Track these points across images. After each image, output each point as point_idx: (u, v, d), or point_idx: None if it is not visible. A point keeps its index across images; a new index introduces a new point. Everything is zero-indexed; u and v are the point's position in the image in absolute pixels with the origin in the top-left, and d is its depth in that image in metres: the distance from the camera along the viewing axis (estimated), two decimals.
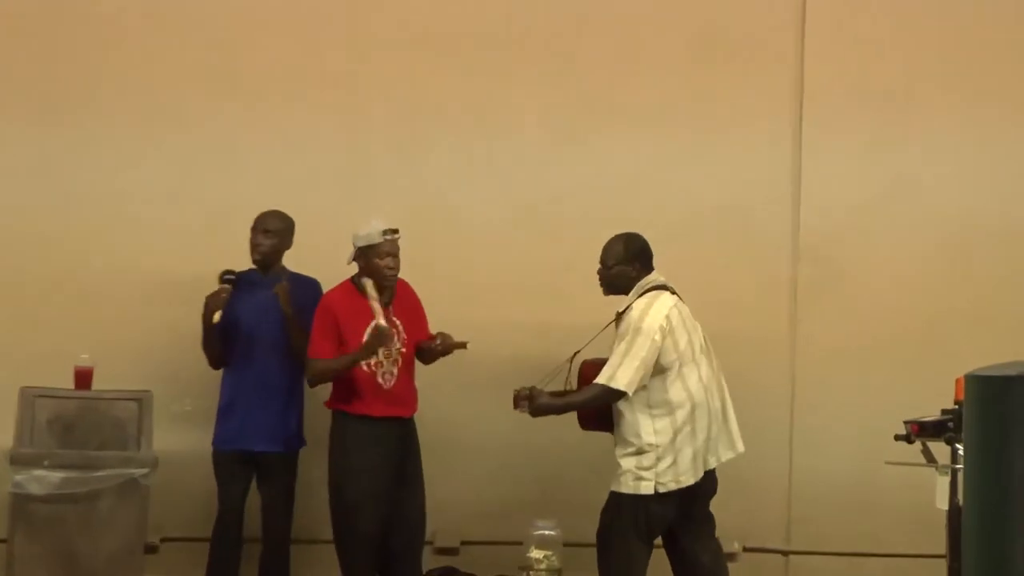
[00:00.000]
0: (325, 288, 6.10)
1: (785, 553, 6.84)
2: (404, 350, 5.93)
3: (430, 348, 5.96)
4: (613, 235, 5.76)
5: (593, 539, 5.79)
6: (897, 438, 5.71)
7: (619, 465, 5.62)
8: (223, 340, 6.03)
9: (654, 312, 5.57)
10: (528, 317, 6.38)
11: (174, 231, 6.60)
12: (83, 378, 6.12)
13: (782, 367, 6.78)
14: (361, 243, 5.86)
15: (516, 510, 6.36)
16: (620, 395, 5.52)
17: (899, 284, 6.83)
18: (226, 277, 5.94)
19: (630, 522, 5.58)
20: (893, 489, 6.46)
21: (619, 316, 5.69)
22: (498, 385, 6.07)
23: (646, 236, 5.85)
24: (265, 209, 6.17)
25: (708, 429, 5.64)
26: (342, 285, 5.93)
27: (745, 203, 6.80)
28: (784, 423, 6.77)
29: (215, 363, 6.13)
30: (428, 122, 6.76)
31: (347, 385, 5.87)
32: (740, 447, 5.74)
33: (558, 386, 5.78)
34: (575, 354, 5.75)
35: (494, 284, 6.44)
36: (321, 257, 6.25)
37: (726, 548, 6.11)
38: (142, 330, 6.50)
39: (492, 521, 6.57)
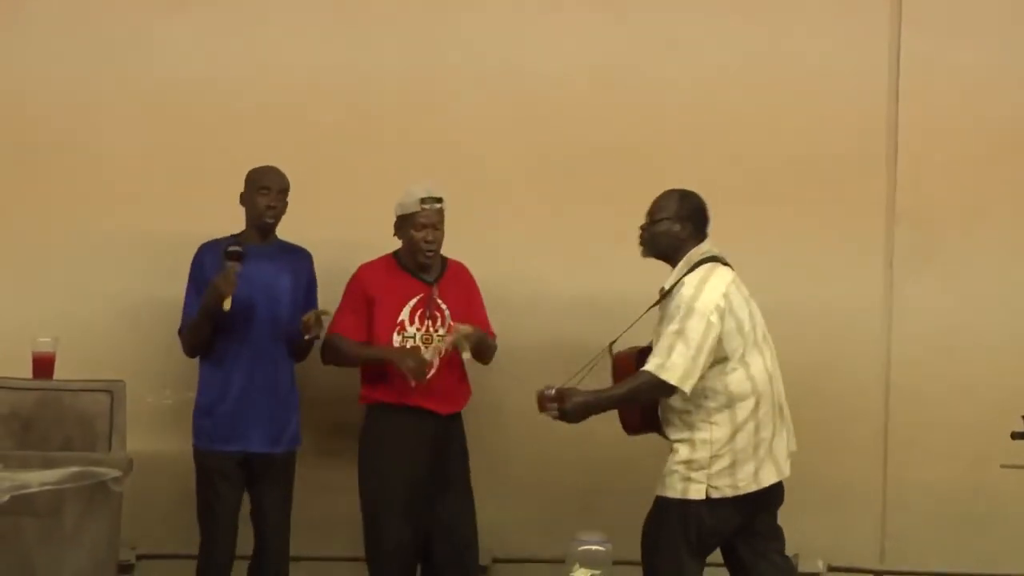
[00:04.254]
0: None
1: (879, 574, 6.38)
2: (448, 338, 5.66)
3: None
4: (665, 189, 5.28)
5: None
6: (1014, 436, 5.36)
7: (666, 464, 5.12)
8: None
9: (710, 288, 5.03)
10: (562, 288, 5.96)
11: (154, 190, 6.13)
12: (43, 365, 5.63)
13: (874, 350, 6.27)
14: (399, 211, 5.62)
15: (556, 522, 5.91)
16: (671, 390, 4.97)
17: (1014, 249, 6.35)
18: (232, 250, 5.46)
19: (678, 532, 5.08)
20: (1010, 497, 6.12)
21: (664, 294, 5.16)
22: (530, 375, 5.58)
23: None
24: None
25: (772, 427, 5.11)
26: (382, 258, 5.70)
27: (832, 150, 6.28)
28: (877, 418, 6.29)
29: (196, 351, 5.70)
30: None
31: (378, 371, 5.60)
32: (793, 445, 5.27)
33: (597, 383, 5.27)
34: (612, 343, 5.27)
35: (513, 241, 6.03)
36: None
37: (809, 568, 5.89)
38: (112, 306, 6.09)
39: (528, 535, 6.20)
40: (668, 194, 5.21)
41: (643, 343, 5.20)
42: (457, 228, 5.65)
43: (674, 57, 6.27)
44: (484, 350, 5.67)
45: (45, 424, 5.51)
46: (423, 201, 5.53)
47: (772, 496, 5.13)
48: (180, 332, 5.67)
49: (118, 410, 5.52)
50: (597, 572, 5.42)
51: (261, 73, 6.17)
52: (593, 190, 6.23)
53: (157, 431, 5.85)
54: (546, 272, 6.13)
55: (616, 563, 5.45)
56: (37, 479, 5.30)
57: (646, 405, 5.11)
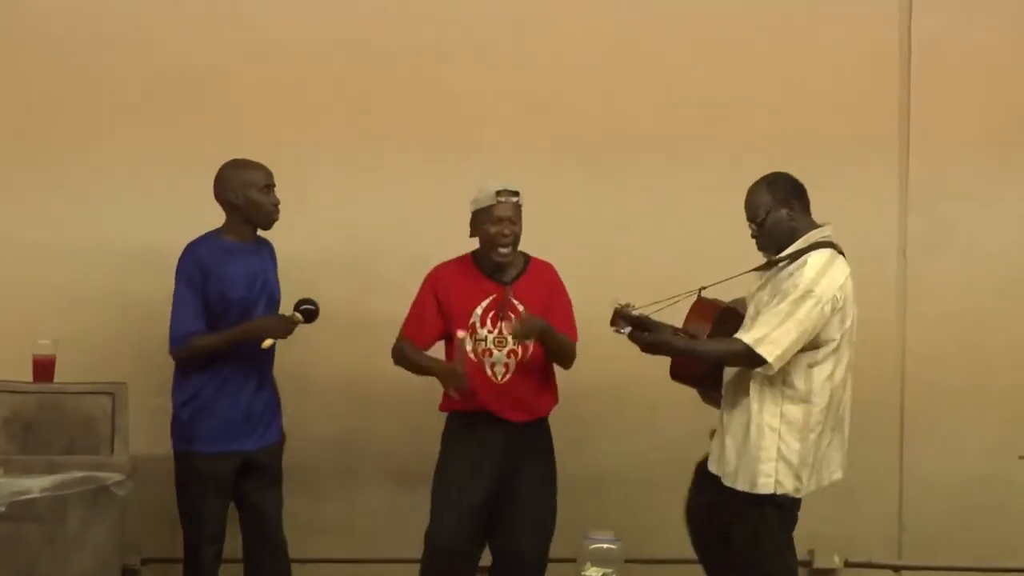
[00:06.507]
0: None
1: (896, 568, 6.31)
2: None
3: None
4: (750, 185, 5.04)
5: (661, 553, 5.58)
6: None
7: (743, 453, 4.85)
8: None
9: (832, 276, 4.83)
10: (572, 272, 5.64)
11: (153, 188, 6.06)
12: (43, 368, 5.58)
13: (889, 340, 6.18)
14: (473, 207, 5.35)
15: (567, 520, 5.73)
16: (761, 364, 4.75)
17: None
18: (306, 308, 5.32)
19: (778, 527, 4.84)
20: None
21: (773, 263, 4.93)
22: None
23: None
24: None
25: (831, 436, 4.90)
26: (459, 258, 5.44)
27: (844, 132, 6.18)
28: (893, 409, 6.23)
29: (191, 365, 5.48)
30: None
31: None
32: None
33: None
34: (703, 288, 5.01)
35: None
36: None
37: (825, 563, 5.87)
38: (114, 309, 6.04)
39: None
40: (755, 188, 4.98)
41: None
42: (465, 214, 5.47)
43: (684, 38, 6.20)
44: (557, 349, 5.34)
45: (47, 427, 5.47)
46: (499, 194, 5.26)
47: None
48: (178, 341, 5.39)
49: (120, 412, 5.46)
50: (609, 571, 5.46)
51: (258, 58, 6.10)
52: (603, 173, 6.14)
53: (160, 433, 5.66)
54: (557, 257, 5.84)
55: (627, 561, 5.49)
56: (38, 484, 5.24)
57: (715, 367, 4.94)
